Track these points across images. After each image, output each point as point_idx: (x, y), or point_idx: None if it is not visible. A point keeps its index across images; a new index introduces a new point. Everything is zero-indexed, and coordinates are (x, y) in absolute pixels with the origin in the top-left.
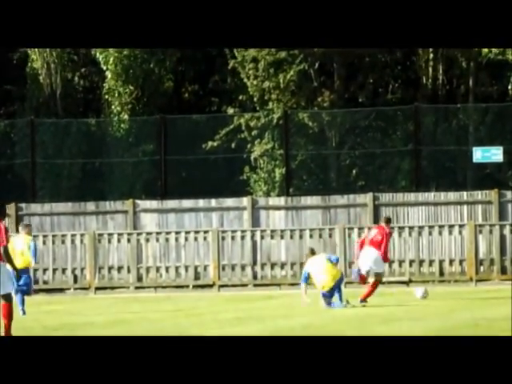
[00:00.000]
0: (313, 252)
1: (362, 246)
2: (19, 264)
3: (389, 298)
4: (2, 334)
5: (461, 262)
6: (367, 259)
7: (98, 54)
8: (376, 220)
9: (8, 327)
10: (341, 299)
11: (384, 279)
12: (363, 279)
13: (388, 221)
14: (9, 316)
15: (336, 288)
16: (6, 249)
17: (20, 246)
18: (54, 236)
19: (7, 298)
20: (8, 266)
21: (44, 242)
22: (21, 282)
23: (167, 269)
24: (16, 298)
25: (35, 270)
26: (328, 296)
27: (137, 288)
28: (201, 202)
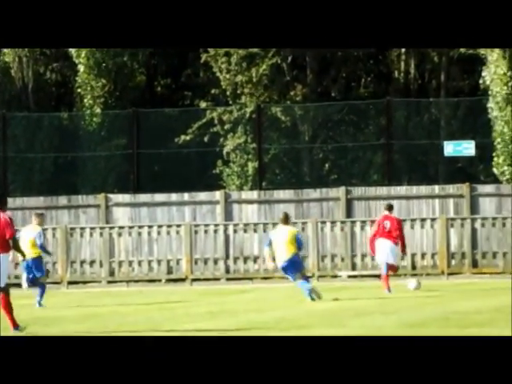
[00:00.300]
0: (286, 218)
1: (372, 242)
2: (30, 254)
3: (361, 291)
4: (8, 325)
5: (433, 255)
6: (383, 251)
7: (70, 48)
8: (348, 214)
9: (11, 319)
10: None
11: (356, 273)
12: (394, 269)
13: (389, 208)
14: (8, 307)
15: (291, 268)
16: (14, 239)
17: (30, 236)
18: None
19: (6, 289)
20: (10, 258)
21: None
22: (36, 273)
23: (140, 263)
24: (31, 290)
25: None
26: (285, 270)
27: (109, 282)
28: (173, 196)
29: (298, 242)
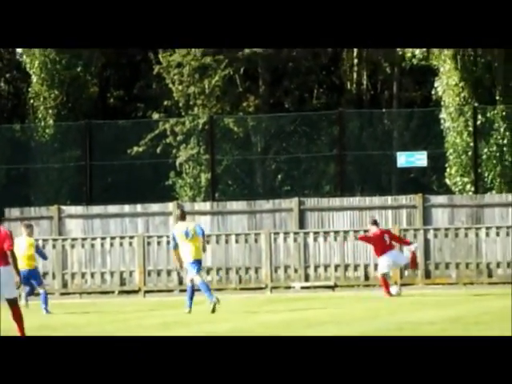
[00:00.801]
0: (183, 215)
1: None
2: (27, 267)
3: (314, 302)
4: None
5: None
6: (392, 260)
7: (24, 57)
8: (301, 225)
9: (21, 330)
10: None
11: (309, 284)
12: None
13: (375, 222)
14: (20, 318)
15: (196, 267)
16: (12, 253)
17: (24, 250)
18: None
19: (15, 301)
20: (13, 270)
21: None
22: (35, 283)
23: (93, 275)
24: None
25: None
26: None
27: (62, 294)
28: (126, 208)
29: (201, 234)
